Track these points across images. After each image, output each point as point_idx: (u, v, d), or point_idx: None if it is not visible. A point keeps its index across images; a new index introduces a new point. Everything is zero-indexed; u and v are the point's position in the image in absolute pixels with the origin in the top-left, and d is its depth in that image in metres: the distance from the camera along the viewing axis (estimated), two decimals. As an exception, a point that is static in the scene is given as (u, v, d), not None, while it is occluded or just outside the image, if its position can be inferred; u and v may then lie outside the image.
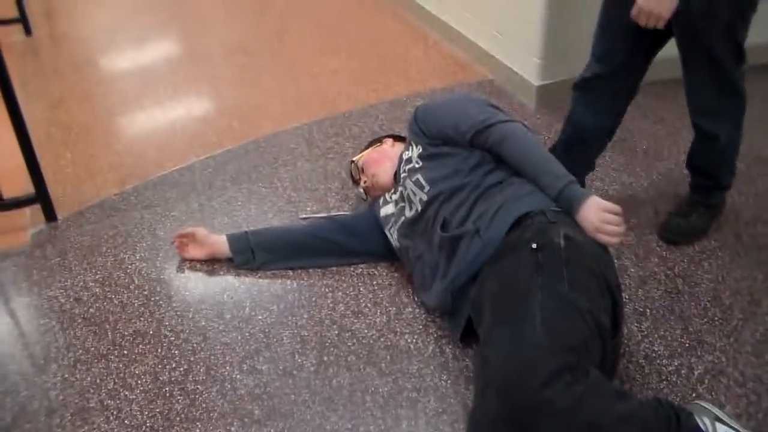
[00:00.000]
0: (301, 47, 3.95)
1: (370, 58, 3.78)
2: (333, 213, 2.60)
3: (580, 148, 2.36)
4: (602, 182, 2.72)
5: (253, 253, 2.36)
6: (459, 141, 2.11)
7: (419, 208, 2.11)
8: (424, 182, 2.11)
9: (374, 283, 2.29)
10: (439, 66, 3.67)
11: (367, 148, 2.54)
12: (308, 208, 2.65)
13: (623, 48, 2.27)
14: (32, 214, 2.67)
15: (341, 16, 4.35)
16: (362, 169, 2.47)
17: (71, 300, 2.28)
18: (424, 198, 2.09)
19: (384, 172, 2.38)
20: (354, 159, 2.54)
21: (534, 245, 1.73)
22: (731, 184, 2.47)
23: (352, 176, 2.57)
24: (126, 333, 2.14)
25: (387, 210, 2.30)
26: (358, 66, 3.71)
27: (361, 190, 2.48)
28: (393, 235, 2.25)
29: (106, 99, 3.55)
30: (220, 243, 2.39)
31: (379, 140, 2.53)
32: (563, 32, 3.10)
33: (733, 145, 2.36)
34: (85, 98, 3.55)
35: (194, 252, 2.41)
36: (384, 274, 2.32)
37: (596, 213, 1.82)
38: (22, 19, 4.31)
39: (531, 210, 1.87)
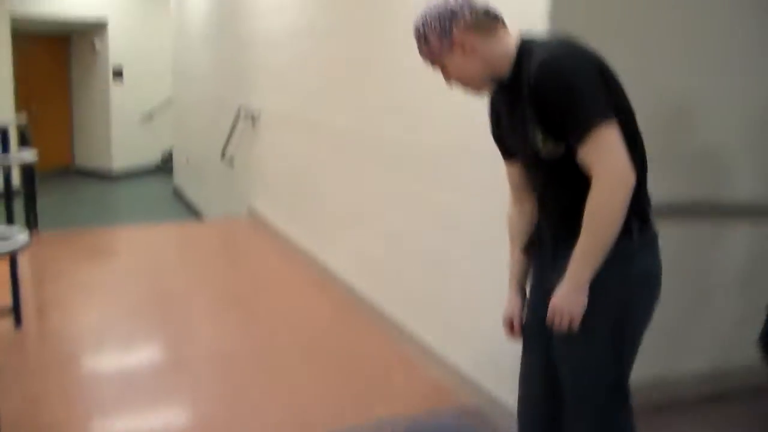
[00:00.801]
0: (283, 363, 4.01)
1: (352, 378, 3.82)
2: None
3: None
4: None
5: None
6: None
7: None
8: None
9: None
10: (421, 389, 3.70)
11: None
12: None
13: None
14: None
15: (326, 333, 4.46)
16: None
17: None
18: None
19: None
20: None
21: None
22: None
23: None
24: None
25: None
26: (341, 388, 3.73)
27: None
28: None
29: (86, 400, 3.53)
30: None
31: None
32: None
33: None
34: (65, 397, 3.52)
35: None
36: None
37: None
38: (15, 312, 4.39)
39: None
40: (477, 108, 3.39)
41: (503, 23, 2.16)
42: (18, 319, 4.41)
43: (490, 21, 2.12)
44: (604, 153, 1.92)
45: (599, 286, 2.00)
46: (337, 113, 5.19)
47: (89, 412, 3.41)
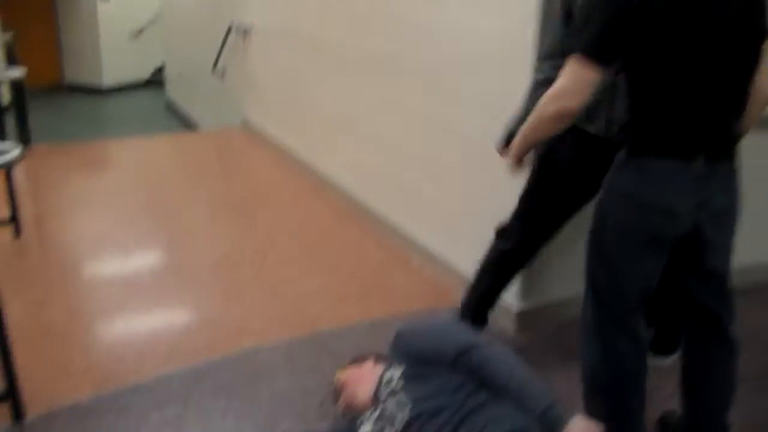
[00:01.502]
0: (285, 265, 4.05)
1: (352, 279, 3.88)
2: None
3: None
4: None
5: None
6: (441, 363, 2.15)
7: (399, 429, 2.09)
8: (406, 401, 2.11)
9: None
10: (421, 290, 3.76)
11: (349, 366, 2.55)
12: (286, 422, 2.62)
13: None
14: (0, 411, 2.61)
15: (325, 237, 4.49)
16: (341, 388, 2.48)
17: (32, 506, 2.19)
18: (406, 417, 2.08)
19: (362, 393, 2.37)
20: (335, 377, 2.55)
21: None
22: None
23: (334, 394, 2.57)
24: None
25: (365, 429, 2.28)
26: (340, 287, 3.79)
27: (340, 409, 2.47)
28: None
29: (88, 303, 3.57)
30: None
31: (361, 359, 2.55)
32: (543, 257, 3.21)
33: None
34: (67, 301, 3.57)
35: None
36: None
37: None
38: (14, 221, 4.41)
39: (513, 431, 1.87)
40: (477, 24, 3.39)
41: None
42: (17, 229, 4.43)
43: None
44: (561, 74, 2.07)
45: None
46: (333, 27, 5.12)
47: (93, 315, 3.46)
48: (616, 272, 2.22)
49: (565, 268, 3.25)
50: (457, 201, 3.70)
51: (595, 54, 1.99)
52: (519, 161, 2.45)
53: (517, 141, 2.35)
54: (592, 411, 2.32)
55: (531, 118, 2.20)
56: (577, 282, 2.38)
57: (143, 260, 4.21)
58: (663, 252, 2.19)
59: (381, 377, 2.30)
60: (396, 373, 2.23)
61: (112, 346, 3.17)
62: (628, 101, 2.12)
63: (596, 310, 2.28)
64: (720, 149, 2.13)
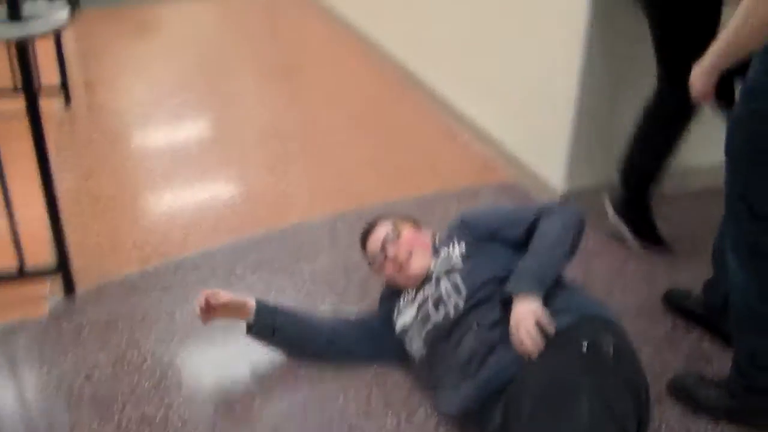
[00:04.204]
0: (331, 137, 4.00)
1: (399, 153, 3.82)
2: (350, 309, 2.59)
3: None
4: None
5: (273, 332, 2.28)
6: (511, 235, 2.17)
7: (452, 313, 2.03)
8: (462, 286, 2.05)
9: (387, 382, 2.26)
10: (466, 165, 3.69)
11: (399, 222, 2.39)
12: (327, 300, 2.65)
13: None
14: (51, 283, 2.69)
15: (373, 108, 4.41)
16: (398, 243, 2.29)
17: (81, 377, 2.27)
18: (461, 304, 2.02)
19: (421, 256, 2.24)
20: (390, 229, 2.35)
21: (584, 348, 1.75)
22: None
23: (382, 246, 2.32)
24: (133, 417, 2.12)
25: (405, 319, 2.20)
26: (386, 160, 3.74)
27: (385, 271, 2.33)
28: (412, 345, 2.17)
29: (136, 174, 3.60)
30: (247, 302, 2.26)
31: (411, 221, 2.43)
32: (591, 138, 3.13)
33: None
34: (116, 171, 3.61)
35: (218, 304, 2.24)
36: (398, 373, 2.29)
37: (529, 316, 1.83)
38: (64, 89, 4.41)
39: (582, 318, 1.88)
40: None
41: None
42: (67, 97, 4.44)
43: None
44: None
45: None
46: None
47: (141, 186, 3.49)
48: None
49: (613, 150, 3.16)
50: (516, 82, 3.55)
51: None
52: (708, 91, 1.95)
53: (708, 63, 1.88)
54: None
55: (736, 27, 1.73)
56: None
57: (190, 130, 4.20)
58: None
59: (438, 250, 2.24)
60: (456, 251, 2.17)
61: (159, 220, 3.21)
62: None
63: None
64: None
